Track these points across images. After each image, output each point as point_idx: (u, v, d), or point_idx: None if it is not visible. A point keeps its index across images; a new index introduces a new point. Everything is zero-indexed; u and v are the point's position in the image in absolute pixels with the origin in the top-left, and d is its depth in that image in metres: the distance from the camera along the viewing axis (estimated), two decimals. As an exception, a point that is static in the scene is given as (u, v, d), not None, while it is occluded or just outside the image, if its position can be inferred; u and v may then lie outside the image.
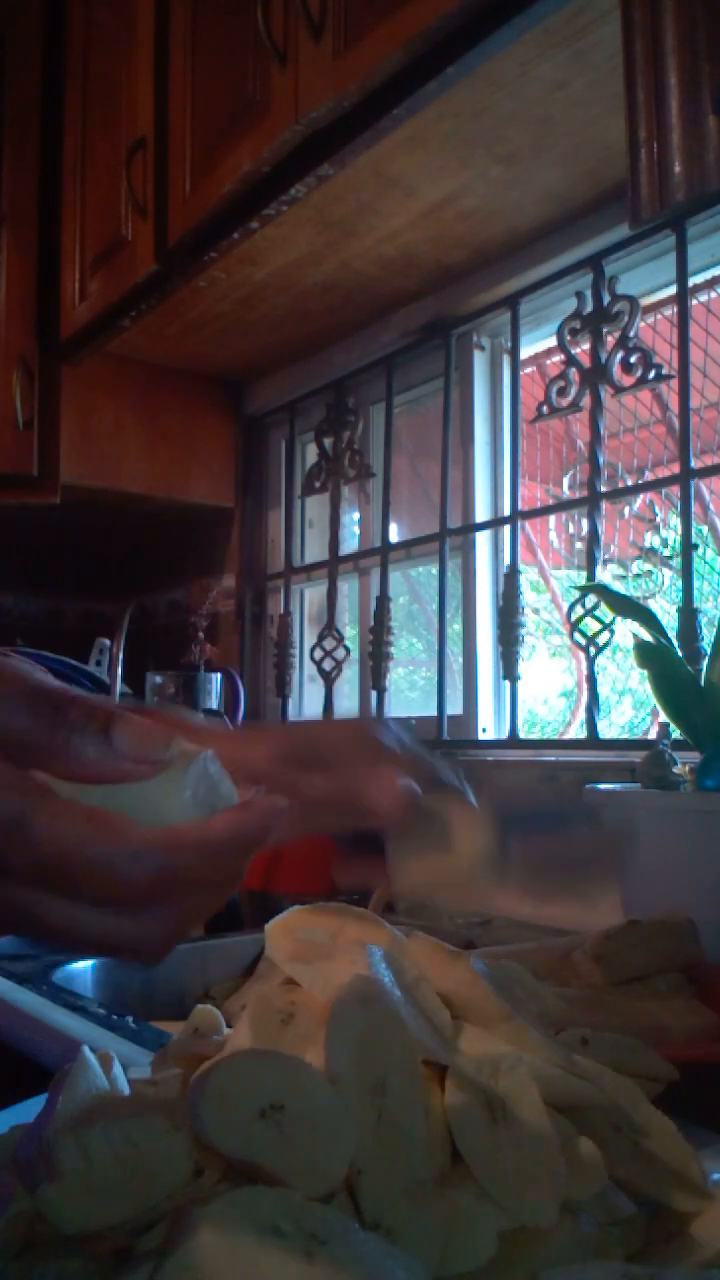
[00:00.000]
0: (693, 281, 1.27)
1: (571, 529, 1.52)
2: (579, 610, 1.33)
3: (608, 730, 1.38)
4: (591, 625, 1.32)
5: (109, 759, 0.32)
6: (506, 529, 1.48)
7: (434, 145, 1.17)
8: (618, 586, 1.37)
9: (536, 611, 1.53)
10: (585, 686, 1.35)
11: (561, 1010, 0.52)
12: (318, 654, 1.78)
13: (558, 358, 1.43)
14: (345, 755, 0.43)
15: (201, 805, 0.34)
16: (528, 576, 1.52)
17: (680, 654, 1.08)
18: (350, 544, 1.84)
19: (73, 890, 0.31)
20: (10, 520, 2.00)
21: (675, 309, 1.27)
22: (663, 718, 1.03)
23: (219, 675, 1.83)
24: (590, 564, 1.33)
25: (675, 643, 1.07)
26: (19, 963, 1.04)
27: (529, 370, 1.56)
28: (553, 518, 1.58)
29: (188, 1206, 0.35)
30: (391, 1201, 0.37)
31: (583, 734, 1.34)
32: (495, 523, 1.55)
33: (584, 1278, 0.37)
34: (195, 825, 0.33)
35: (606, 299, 1.34)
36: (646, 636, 1.00)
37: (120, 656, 1.82)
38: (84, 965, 1.08)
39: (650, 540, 1.41)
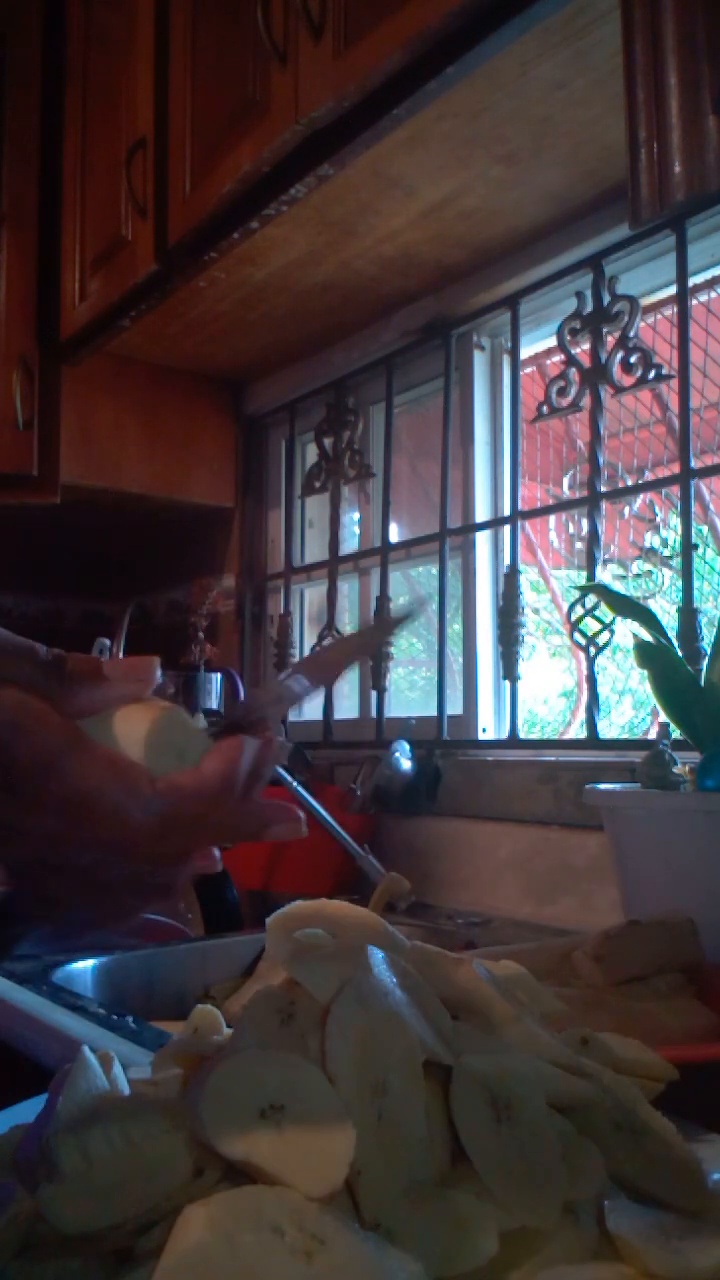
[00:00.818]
0: (693, 281, 1.27)
1: (571, 529, 1.52)
2: (579, 610, 1.33)
3: (608, 730, 1.38)
4: (591, 625, 1.32)
5: (107, 691, 0.39)
6: (506, 529, 1.48)
7: (434, 145, 1.17)
8: (618, 586, 1.37)
9: (536, 611, 1.53)
10: (585, 686, 1.35)
11: (562, 1011, 0.52)
12: (318, 654, 1.78)
13: (558, 358, 1.43)
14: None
15: (173, 749, 0.40)
16: (528, 576, 1.52)
17: (680, 654, 1.08)
18: (350, 544, 1.84)
19: (93, 827, 0.36)
20: (10, 520, 2.00)
21: (675, 309, 1.27)
22: (663, 718, 1.03)
23: (219, 675, 1.83)
24: (590, 564, 1.33)
25: (675, 643, 1.07)
26: (19, 963, 1.04)
27: (529, 370, 1.56)
28: (553, 518, 1.58)
29: (187, 1205, 0.35)
30: (391, 1202, 0.37)
31: (583, 734, 1.34)
32: (495, 523, 1.55)
33: (584, 1278, 0.37)
34: (190, 772, 0.38)
35: (606, 299, 1.34)
36: (646, 636, 1.00)
37: (120, 656, 1.81)
38: (84, 965, 1.08)
39: (650, 540, 1.41)
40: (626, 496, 1.40)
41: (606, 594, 1.14)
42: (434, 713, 1.55)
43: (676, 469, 1.25)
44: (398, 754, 1.44)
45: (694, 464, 1.23)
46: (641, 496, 1.42)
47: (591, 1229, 0.39)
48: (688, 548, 1.22)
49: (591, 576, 1.32)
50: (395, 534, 1.72)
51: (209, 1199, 0.36)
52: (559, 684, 1.66)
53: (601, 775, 1.22)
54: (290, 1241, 0.33)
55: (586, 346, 1.38)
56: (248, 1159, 0.36)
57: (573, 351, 1.39)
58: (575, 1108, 0.43)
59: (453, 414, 1.58)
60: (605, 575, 1.36)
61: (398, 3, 0.99)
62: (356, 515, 1.85)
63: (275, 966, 0.46)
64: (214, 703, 1.80)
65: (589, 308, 1.36)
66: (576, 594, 1.34)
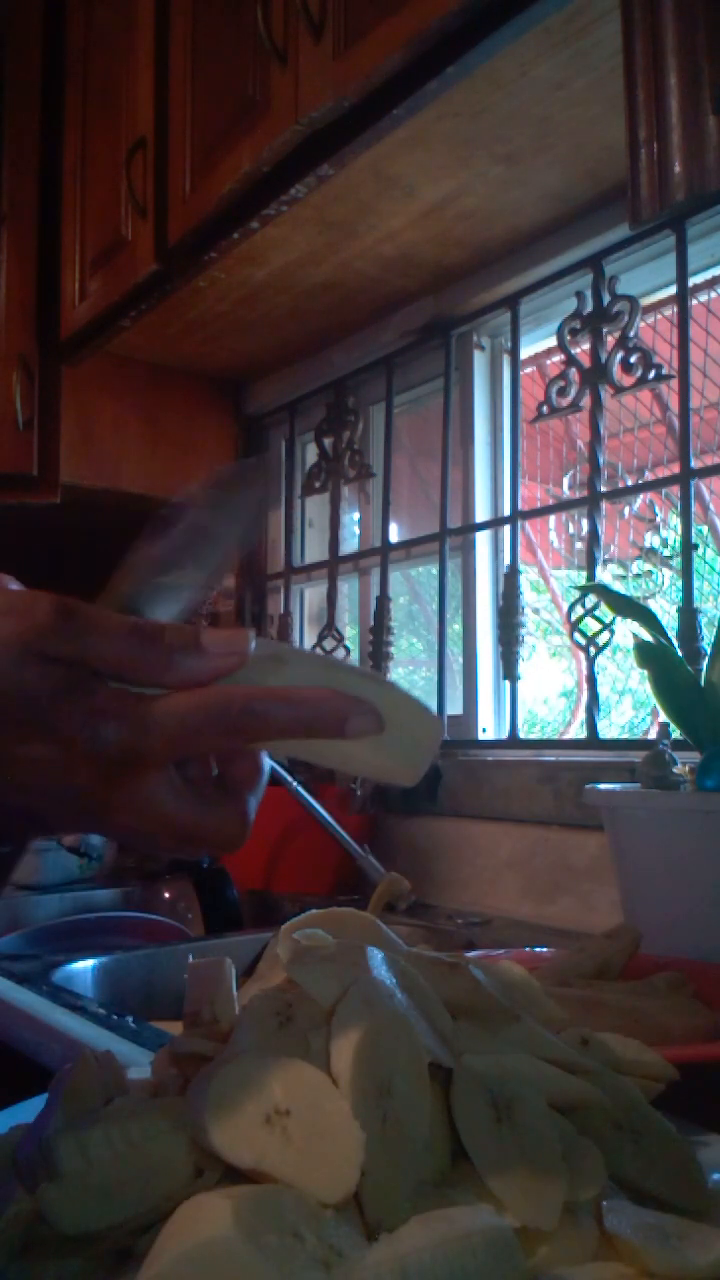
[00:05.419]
0: (693, 281, 1.27)
1: (571, 529, 1.52)
2: (579, 610, 1.33)
3: (608, 730, 1.38)
4: (591, 625, 1.32)
5: (206, 663, 0.39)
6: (506, 529, 1.48)
7: (434, 145, 1.17)
8: (618, 586, 1.37)
9: (536, 611, 1.53)
10: (585, 686, 1.35)
11: (561, 1013, 0.52)
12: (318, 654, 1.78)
13: (558, 358, 1.43)
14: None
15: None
16: (528, 576, 1.52)
17: (680, 654, 1.08)
18: (350, 544, 1.84)
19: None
20: (10, 520, 2.00)
21: (675, 309, 1.27)
22: (663, 718, 1.03)
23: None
24: (590, 564, 1.33)
25: (675, 643, 1.07)
26: (19, 963, 1.04)
27: (529, 370, 1.56)
28: (553, 518, 1.58)
29: (203, 1193, 0.35)
30: (395, 1203, 0.37)
31: (583, 734, 1.34)
32: (495, 523, 1.55)
33: (584, 1278, 0.37)
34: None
35: (606, 299, 1.34)
36: (646, 636, 1.00)
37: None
38: (84, 965, 1.08)
39: (650, 540, 1.41)
40: (626, 496, 1.40)
41: (606, 594, 1.14)
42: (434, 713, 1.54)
43: (676, 469, 1.25)
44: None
45: (694, 464, 1.23)
46: (641, 496, 1.42)
47: (591, 1229, 0.39)
48: (688, 548, 1.22)
49: (591, 576, 1.32)
50: (395, 534, 1.72)
51: (230, 1191, 0.35)
52: (559, 684, 1.66)
53: (601, 775, 1.22)
54: (310, 1249, 0.33)
55: (586, 346, 1.38)
56: (257, 1166, 0.36)
57: (573, 351, 1.39)
58: (575, 1108, 0.43)
59: (453, 414, 1.58)
60: (605, 575, 1.36)
61: (398, 3, 0.99)
62: (356, 515, 1.85)
63: (275, 966, 0.46)
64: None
65: (589, 308, 1.36)
66: (576, 594, 1.34)
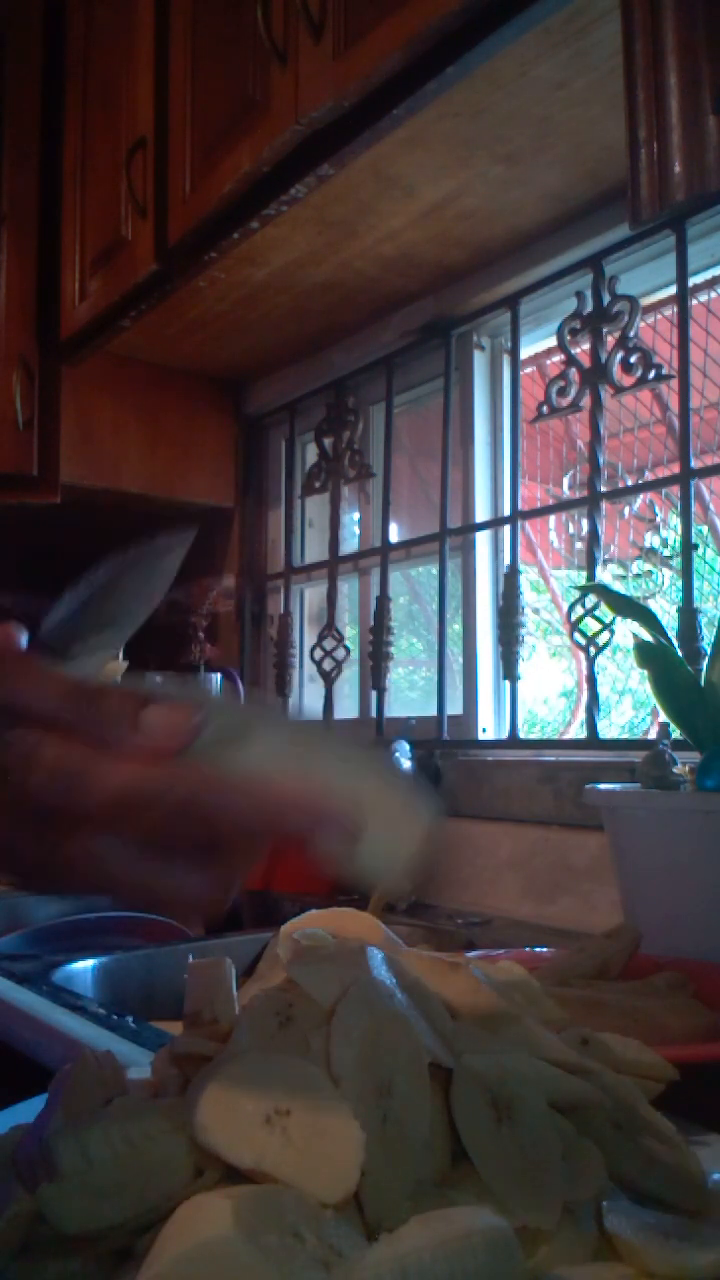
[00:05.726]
0: (693, 281, 1.27)
1: (571, 529, 1.52)
2: (579, 610, 1.33)
3: (608, 730, 1.38)
4: (591, 625, 1.32)
5: (142, 742, 0.35)
6: (506, 529, 1.48)
7: (434, 145, 1.17)
8: (618, 586, 1.37)
9: (536, 611, 1.53)
10: (585, 686, 1.35)
11: (561, 1013, 0.52)
12: (318, 654, 1.78)
13: (558, 358, 1.43)
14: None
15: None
16: (528, 576, 1.52)
17: (680, 654, 1.08)
18: (350, 544, 1.84)
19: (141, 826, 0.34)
20: (10, 520, 2.00)
21: (675, 309, 1.27)
22: (663, 718, 1.03)
23: (219, 675, 1.83)
24: (590, 564, 1.33)
25: (675, 643, 1.07)
26: (19, 963, 1.04)
27: (529, 370, 1.56)
28: (553, 518, 1.58)
29: (203, 1193, 0.35)
30: (395, 1203, 0.37)
31: (583, 734, 1.34)
32: (495, 523, 1.55)
33: (584, 1278, 0.37)
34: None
35: (606, 299, 1.34)
36: (646, 636, 1.00)
37: (121, 664, 1.81)
38: (84, 965, 1.08)
39: (650, 540, 1.41)
40: (626, 496, 1.40)
41: (606, 594, 1.14)
42: (434, 713, 1.55)
43: (676, 469, 1.25)
44: (398, 754, 1.44)
45: (694, 464, 1.23)
46: (641, 496, 1.42)
47: (591, 1229, 0.39)
48: (688, 548, 1.22)
49: (591, 576, 1.32)
50: (395, 534, 1.72)
51: (230, 1191, 0.35)
52: (559, 684, 1.66)
53: (601, 775, 1.22)
54: (310, 1249, 0.33)
55: (586, 346, 1.38)
56: (258, 1166, 0.36)
57: (573, 351, 1.39)
58: (575, 1108, 0.43)
59: (453, 414, 1.58)
60: (605, 575, 1.36)
61: (398, 3, 0.99)
62: (356, 515, 1.85)
63: (275, 966, 0.46)
64: (214, 703, 1.80)
65: (589, 308, 1.36)
66: (576, 594, 1.34)
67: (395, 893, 0.75)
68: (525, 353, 1.52)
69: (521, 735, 1.44)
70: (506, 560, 1.47)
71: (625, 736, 1.42)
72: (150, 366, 1.87)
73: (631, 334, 1.31)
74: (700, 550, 1.27)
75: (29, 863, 0.35)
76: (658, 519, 1.41)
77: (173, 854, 0.35)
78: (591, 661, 1.31)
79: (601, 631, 1.31)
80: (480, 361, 1.59)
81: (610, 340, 1.35)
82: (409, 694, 1.81)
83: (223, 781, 0.34)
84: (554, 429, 1.58)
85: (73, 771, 0.34)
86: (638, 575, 1.40)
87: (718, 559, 1.38)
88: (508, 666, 1.43)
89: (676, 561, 1.29)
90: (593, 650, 1.31)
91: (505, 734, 1.48)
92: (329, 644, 1.77)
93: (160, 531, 0.43)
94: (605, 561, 1.36)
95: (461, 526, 1.57)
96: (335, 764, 0.36)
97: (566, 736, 1.53)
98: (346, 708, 1.81)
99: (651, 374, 1.29)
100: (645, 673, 0.99)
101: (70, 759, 0.34)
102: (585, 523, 1.35)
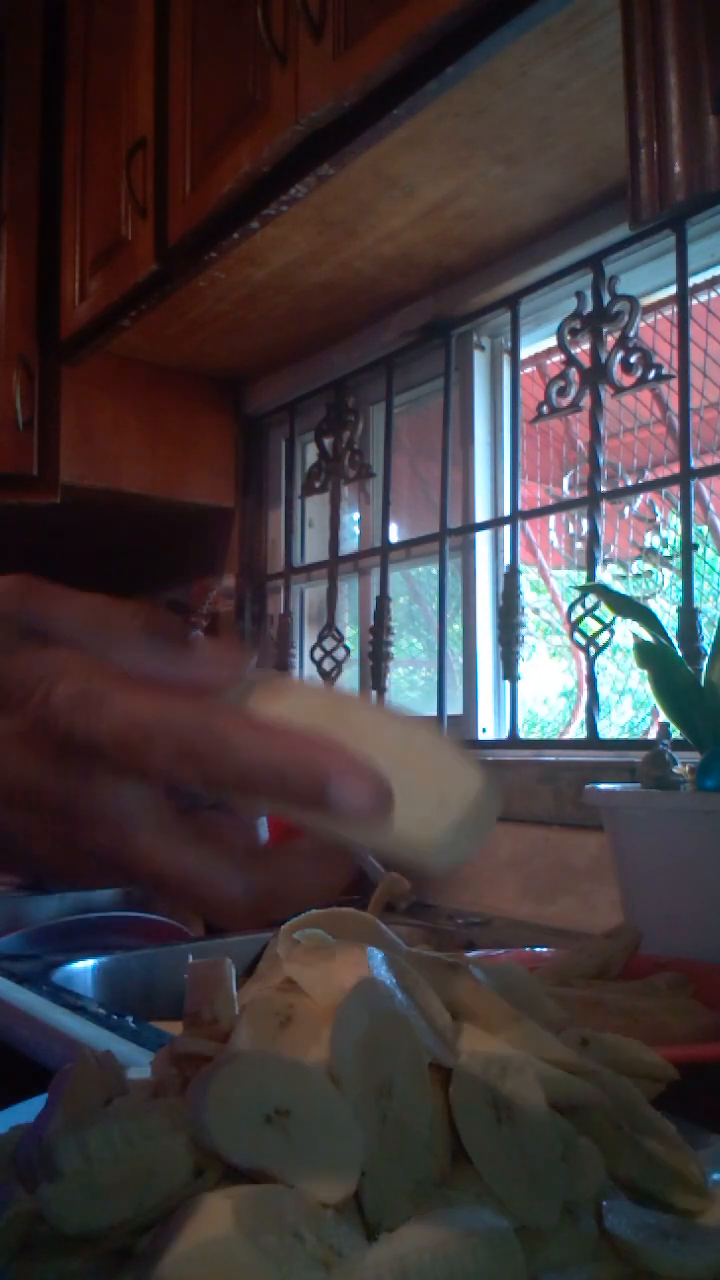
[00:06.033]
0: (693, 281, 1.27)
1: (571, 529, 1.52)
2: (579, 610, 1.33)
3: (608, 730, 1.38)
4: (591, 625, 1.32)
5: (184, 669, 0.34)
6: (506, 529, 1.48)
7: (434, 145, 1.17)
8: (618, 586, 1.37)
9: (536, 611, 1.53)
10: (585, 686, 1.35)
11: (561, 1013, 0.52)
12: (318, 654, 1.79)
13: (558, 358, 1.43)
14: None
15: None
16: (528, 576, 1.52)
17: (680, 654, 1.08)
18: (350, 544, 1.84)
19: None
20: (10, 520, 2.00)
21: (675, 309, 1.27)
22: (663, 718, 1.03)
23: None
24: (590, 564, 1.33)
25: (675, 643, 1.07)
26: (19, 963, 1.04)
27: (529, 370, 1.56)
28: (553, 518, 1.58)
29: (205, 1194, 0.35)
30: (395, 1203, 0.37)
31: (583, 734, 1.34)
32: (495, 523, 1.55)
33: (584, 1278, 0.37)
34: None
35: (606, 299, 1.34)
36: (646, 636, 1.00)
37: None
38: (84, 965, 1.08)
39: (650, 540, 1.41)
40: (626, 496, 1.40)
41: (606, 594, 1.14)
42: (434, 712, 1.55)
43: (676, 469, 1.25)
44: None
45: (694, 464, 1.23)
46: (641, 496, 1.42)
47: (591, 1229, 0.39)
48: (688, 548, 1.22)
49: (591, 576, 1.32)
50: (395, 534, 1.72)
51: (230, 1191, 0.35)
52: (559, 684, 1.66)
53: (601, 775, 1.22)
54: (310, 1249, 0.33)
55: (586, 346, 1.38)
56: (258, 1166, 0.36)
57: (573, 351, 1.39)
58: (575, 1108, 0.43)
59: (453, 414, 1.58)
60: (605, 575, 1.36)
61: (398, 3, 0.99)
62: (356, 515, 1.85)
63: (275, 966, 0.46)
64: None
65: (589, 308, 1.36)
66: (576, 594, 1.34)
67: (396, 892, 0.75)
68: (525, 353, 1.52)
69: (521, 735, 1.44)
70: (506, 560, 1.47)
71: (625, 736, 1.42)
72: (150, 366, 1.87)
73: (631, 334, 1.31)
74: (700, 550, 1.27)
75: (49, 845, 0.33)
76: (658, 519, 1.41)
77: (204, 827, 0.32)
78: (591, 661, 1.31)
79: (601, 631, 1.31)
80: (480, 361, 1.59)
81: (610, 340, 1.35)
82: (409, 694, 1.81)
83: (247, 719, 0.32)
84: (554, 429, 1.58)
85: (95, 693, 0.32)
86: (638, 575, 1.40)
87: (718, 559, 1.39)
88: (508, 666, 1.43)
89: (676, 561, 1.29)
90: (593, 650, 1.31)
91: (505, 734, 1.48)
92: (329, 644, 1.77)
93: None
94: (605, 561, 1.37)
95: (461, 526, 1.57)
96: (371, 719, 0.32)
97: (566, 736, 1.53)
98: (346, 708, 1.80)
99: (651, 374, 1.29)
100: (645, 673, 0.99)
101: (94, 681, 0.32)
102: (585, 523, 1.35)
